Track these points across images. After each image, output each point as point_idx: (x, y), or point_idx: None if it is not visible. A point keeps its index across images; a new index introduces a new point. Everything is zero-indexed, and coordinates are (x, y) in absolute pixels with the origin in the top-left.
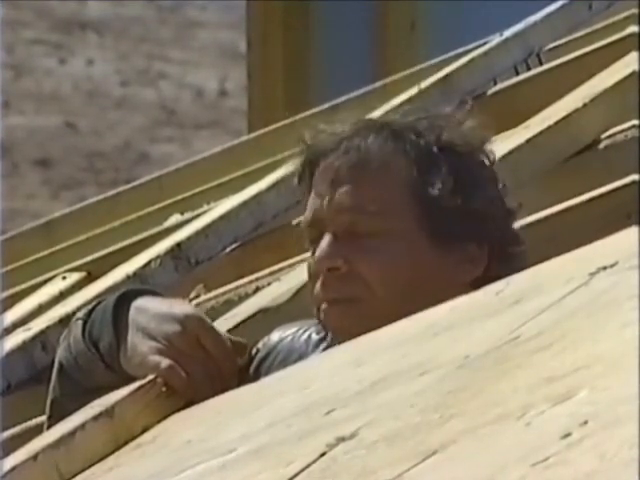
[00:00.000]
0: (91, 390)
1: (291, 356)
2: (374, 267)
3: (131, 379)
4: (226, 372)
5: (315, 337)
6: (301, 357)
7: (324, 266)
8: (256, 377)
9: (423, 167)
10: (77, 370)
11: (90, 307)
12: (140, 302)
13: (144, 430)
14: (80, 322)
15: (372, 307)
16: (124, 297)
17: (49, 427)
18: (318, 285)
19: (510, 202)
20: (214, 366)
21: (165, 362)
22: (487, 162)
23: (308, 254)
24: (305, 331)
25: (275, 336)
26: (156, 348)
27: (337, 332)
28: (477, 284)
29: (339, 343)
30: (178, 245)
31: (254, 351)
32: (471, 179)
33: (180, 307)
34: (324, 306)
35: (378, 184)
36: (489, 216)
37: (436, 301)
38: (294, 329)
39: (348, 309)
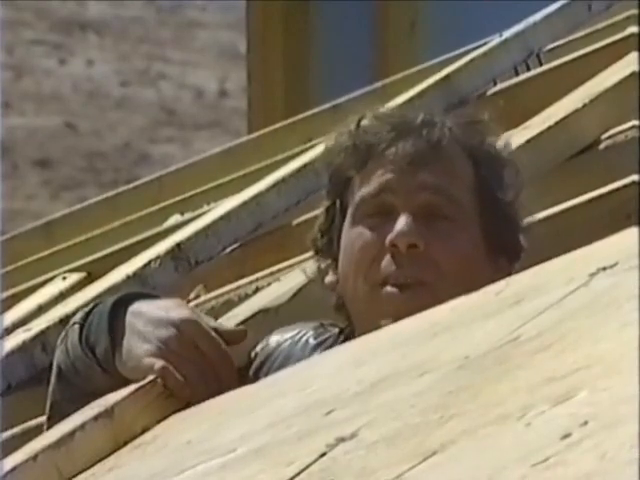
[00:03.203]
0: (90, 394)
1: (289, 361)
2: (450, 252)
3: (128, 383)
4: (223, 374)
5: (312, 342)
6: (299, 362)
7: (405, 242)
8: (255, 381)
9: (481, 172)
10: (75, 374)
11: (87, 310)
12: (136, 306)
13: (144, 430)
14: (77, 327)
15: (440, 292)
16: (120, 301)
17: (49, 427)
18: (386, 263)
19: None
20: (210, 368)
21: (159, 363)
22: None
23: (360, 229)
24: (303, 335)
25: (273, 340)
26: (151, 351)
27: (397, 316)
28: None
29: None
30: (178, 245)
31: (252, 355)
32: (516, 194)
33: (176, 311)
34: (390, 289)
35: (458, 170)
36: (521, 234)
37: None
38: (292, 333)
39: (417, 294)
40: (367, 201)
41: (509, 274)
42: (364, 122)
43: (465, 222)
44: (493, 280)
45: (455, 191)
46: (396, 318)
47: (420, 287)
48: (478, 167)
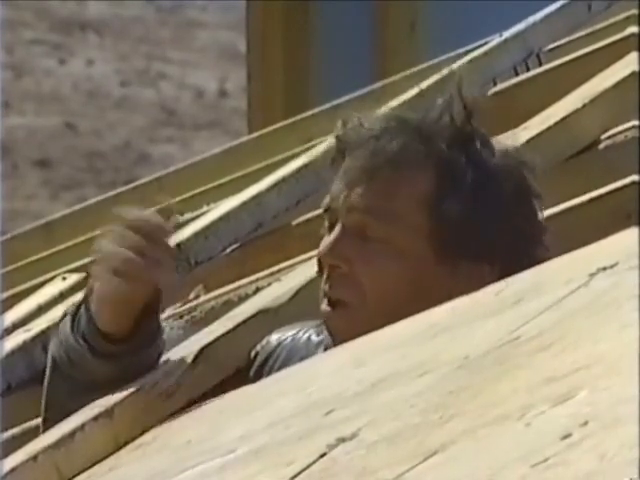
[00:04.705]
0: (85, 384)
1: (292, 359)
2: (372, 274)
3: (121, 371)
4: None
5: (315, 339)
6: (302, 360)
7: (327, 262)
8: (256, 381)
9: (445, 180)
10: (70, 365)
11: (79, 302)
12: None
13: (144, 431)
14: (69, 317)
15: (361, 313)
16: None
17: (45, 424)
18: (324, 278)
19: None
20: (150, 247)
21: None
22: (521, 179)
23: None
24: (305, 333)
25: (274, 339)
26: (99, 268)
27: (330, 332)
28: None
29: (334, 344)
30: (178, 246)
31: (252, 354)
32: (495, 197)
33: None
34: (324, 306)
35: (395, 191)
36: (507, 237)
37: None
38: (293, 331)
39: (341, 312)
40: (324, 212)
41: (482, 276)
42: (345, 127)
43: (402, 245)
44: (469, 290)
45: (391, 212)
46: (335, 334)
47: (343, 307)
48: (441, 179)
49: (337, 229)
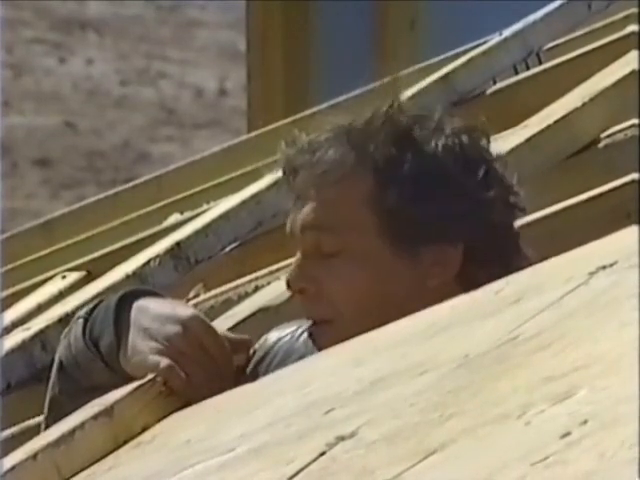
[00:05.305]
0: (90, 389)
1: (290, 357)
2: (339, 287)
3: (130, 379)
4: (225, 374)
5: None
6: (301, 358)
7: (295, 289)
8: (254, 378)
9: (382, 176)
10: (76, 368)
11: (91, 306)
12: (142, 302)
13: (144, 429)
14: (81, 321)
15: (343, 327)
16: (126, 297)
17: (47, 425)
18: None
19: (518, 200)
20: (214, 368)
21: (165, 362)
22: (472, 153)
23: None
24: (304, 331)
25: (272, 336)
26: (156, 348)
27: (319, 349)
28: (452, 286)
29: None
30: (178, 244)
31: (250, 352)
32: (440, 178)
33: (182, 309)
34: (306, 325)
35: (337, 201)
36: (462, 213)
37: (408, 309)
38: (292, 328)
39: (323, 330)
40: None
41: (469, 259)
42: (286, 149)
43: (356, 251)
44: (434, 273)
45: (338, 223)
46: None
47: (325, 324)
48: (378, 176)
49: (297, 253)
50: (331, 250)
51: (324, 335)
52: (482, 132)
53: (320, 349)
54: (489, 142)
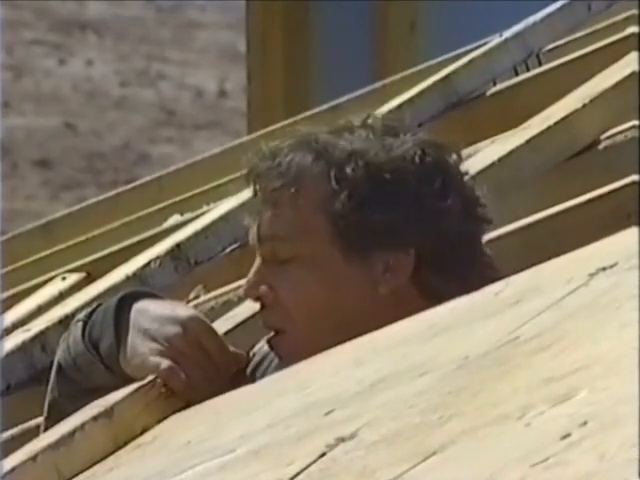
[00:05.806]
0: (89, 391)
1: None
2: (291, 295)
3: (130, 381)
4: (225, 376)
5: None
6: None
7: (251, 296)
8: (252, 381)
9: (335, 183)
10: (76, 371)
11: (91, 309)
12: (142, 304)
13: (144, 430)
14: (80, 323)
15: (299, 336)
16: (125, 299)
17: (47, 427)
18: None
19: (483, 212)
20: (214, 369)
21: (165, 363)
22: (429, 161)
23: None
24: None
25: None
26: (157, 350)
27: (279, 358)
28: (407, 292)
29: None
30: (178, 246)
31: (250, 355)
32: (392, 186)
33: (182, 310)
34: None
35: (291, 209)
36: (415, 220)
37: (362, 315)
38: None
39: (280, 341)
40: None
41: (422, 264)
42: (250, 160)
43: (310, 259)
44: (385, 279)
45: (292, 231)
46: (281, 359)
47: (281, 334)
48: (330, 184)
49: (257, 260)
50: (285, 257)
51: (282, 346)
52: (452, 149)
53: (280, 359)
54: (460, 159)
